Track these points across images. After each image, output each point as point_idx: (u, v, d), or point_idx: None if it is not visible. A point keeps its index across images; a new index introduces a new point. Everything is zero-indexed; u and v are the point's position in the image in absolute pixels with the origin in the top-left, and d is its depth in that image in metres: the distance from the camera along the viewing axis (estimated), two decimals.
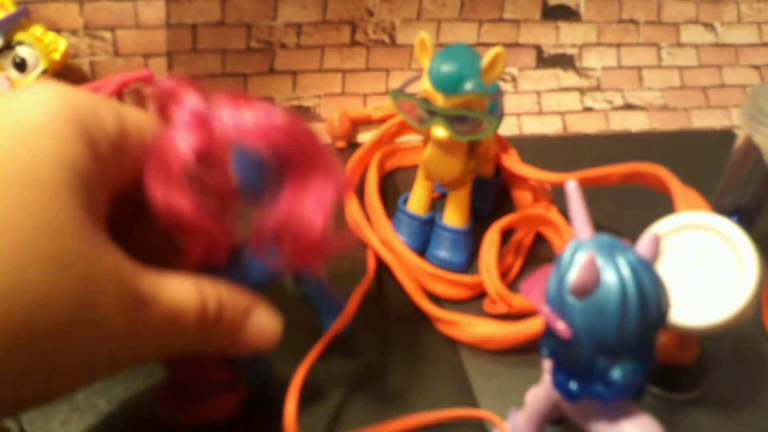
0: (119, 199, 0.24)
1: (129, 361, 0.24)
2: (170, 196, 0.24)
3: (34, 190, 0.20)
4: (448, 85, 0.33)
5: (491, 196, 0.43)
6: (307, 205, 0.25)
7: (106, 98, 0.24)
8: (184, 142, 0.24)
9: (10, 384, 0.19)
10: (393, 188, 0.45)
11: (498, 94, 0.36)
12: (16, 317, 0.19)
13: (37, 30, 0.41)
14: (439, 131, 0.34)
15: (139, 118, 0.25)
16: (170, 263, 0.25)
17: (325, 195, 0.26)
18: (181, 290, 0.24)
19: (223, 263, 0.26)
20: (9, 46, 0.40)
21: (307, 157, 0.26)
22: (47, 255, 0.19)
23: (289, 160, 0.25)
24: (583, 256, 0.23)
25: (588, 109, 0.54)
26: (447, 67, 0.33)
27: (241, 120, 0.25)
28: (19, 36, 0.40)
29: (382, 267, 0.38)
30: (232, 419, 0.29)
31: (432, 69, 0.33)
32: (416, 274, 0.38)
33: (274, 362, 0.31)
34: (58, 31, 0.42)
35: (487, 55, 0.33)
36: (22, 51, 0.40)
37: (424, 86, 0.34)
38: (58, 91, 0.22)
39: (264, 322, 0.27)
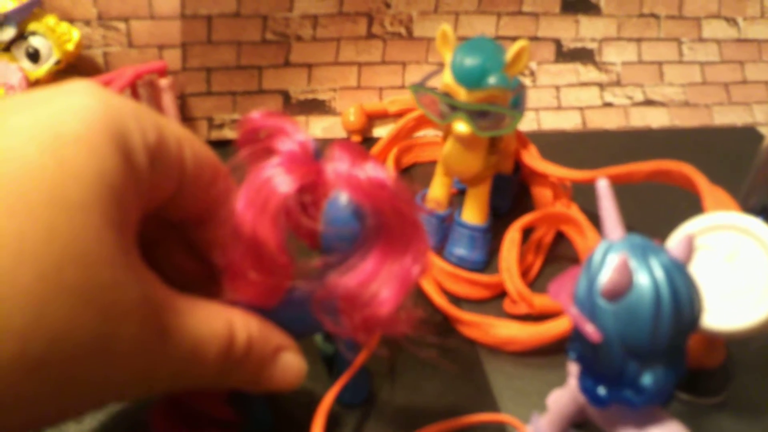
0: (149, 218, 0.23)
1: (138, 393, 0.22)
2: (259, 227, 0.23)
3: (64, 212, 0.18)
4: (471, 79, 0.32)
5: (510, 193, 0.42)
6: (388, 284, 0.24)
7: (145, 107, 0.23)
8: (287, 174, 0.23)
9: (16, 411, 0.18)
10: (410, 185, 0.44)
11: (520, 88, 0.36)
12: (31, 354, 0.17)
13: (50, 20, 0.40)
14: (461, 126, 0.33)
15: (179, 133, 0.23)
16: (195, 289, 0.24)
17: (410, 276, 0.24)
18: (208, 325, 0.23)
19: (270, 306, 0.25)
20: (22, 36, 0.40)
21: (405, 230, 0.24)
22: (71, 286, 0.18)
23: (386, 227, 0.24)
24: (615, 257, 0.22)
25: (608, 105, 0.53)
26: (470, 61, 0.32)
27: (355, 171, 0.23)
28: (32, 26, 0.40)
29: None
30: None
31: (455, 62, 0.32)
32: (434, 274, 0.37)
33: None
34: (71, 21, 0.41)
35: (512, 49, 0.32)
36: (35, 41, 0.40)
37: (446, 80, 0.33)
38: (95, 96, 0.20)
39: (290, 365, 0.25)
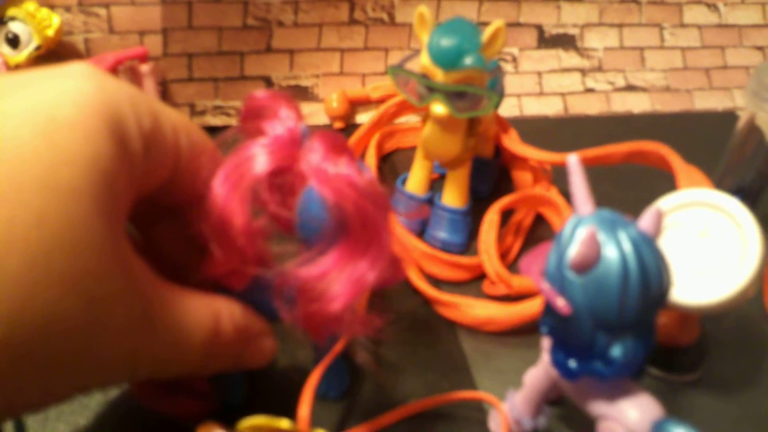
0: (144, 200, 0.23)
1: (122, 379, 0.22)
2: (229, 202, 0.23)
3: (55, 198, 0.18)
4: (447, 60, 0.32)
5: (491, 177, 0.43)
6: (341, 281, 0.23)
7: (141, 92, 0.22)
8: (266, 156, 0.23)
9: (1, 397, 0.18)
10: (392, 170, 0.45)
11: (498, 70, 0.36)
12: (15, 340, 0.17)
13: (30, 5, 0.40)
14: (439, 108, 0.33)
15: (174, 118, 0.23)
16: (188, 271, 0.24)
17: (365, 278, 0.23)
18: (194, 316, 0.23)
19: (240, 288, 0.25)
20: (1, 21, 0.40)
21: (366, 232, 0.24)
22: (59, 273, 0.18)
23: (349, 225, 0.23)
24: (583, 231, 0.22)
25: (589, 90, 0.54)
26: (447, 42, 0.32)
27: (325, 164, 0.23)
28: (12, 11, 0.40)
29: None
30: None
31: (431, 43, 0.33)
32: (414, 256, 0.37)
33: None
34: (51, 7, 0.41)
35: (488, 30, 0.32)
36: (14, 27, 0.40)
37: (423, 62, 0.33)
38: (91, 79, 0.20)
39: (264, 348, 0.26)
